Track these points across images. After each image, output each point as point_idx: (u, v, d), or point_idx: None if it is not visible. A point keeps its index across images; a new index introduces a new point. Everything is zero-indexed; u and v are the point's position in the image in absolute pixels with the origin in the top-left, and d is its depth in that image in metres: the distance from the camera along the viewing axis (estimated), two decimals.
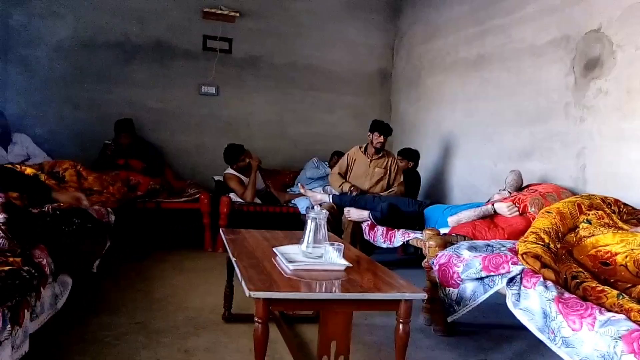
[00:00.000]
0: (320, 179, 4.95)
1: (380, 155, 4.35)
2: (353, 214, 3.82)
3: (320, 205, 3.86)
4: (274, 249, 2.18)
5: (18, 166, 3.19)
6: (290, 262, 2.00)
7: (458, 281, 2.48)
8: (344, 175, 4.40)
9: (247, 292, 1.68)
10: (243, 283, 1.75)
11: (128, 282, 3.32)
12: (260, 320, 1.69)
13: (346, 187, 4.24)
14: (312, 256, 2.09)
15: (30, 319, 1.84)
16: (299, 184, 4.52)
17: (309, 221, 2.16)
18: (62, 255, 2.30)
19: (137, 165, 4.53)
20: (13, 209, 2.13)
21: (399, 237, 3.40)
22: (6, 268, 1.64)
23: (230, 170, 4.60)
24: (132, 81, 4.96)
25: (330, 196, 4.10)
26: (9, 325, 1.57)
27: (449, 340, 2.65)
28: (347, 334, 1.88)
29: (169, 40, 5.06)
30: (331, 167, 5.16)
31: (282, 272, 1.94)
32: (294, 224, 4.33)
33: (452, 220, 3.32)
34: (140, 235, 4.07)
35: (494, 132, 4.12)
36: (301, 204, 4.45)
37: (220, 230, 2.79)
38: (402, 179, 4.40)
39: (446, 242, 2.84)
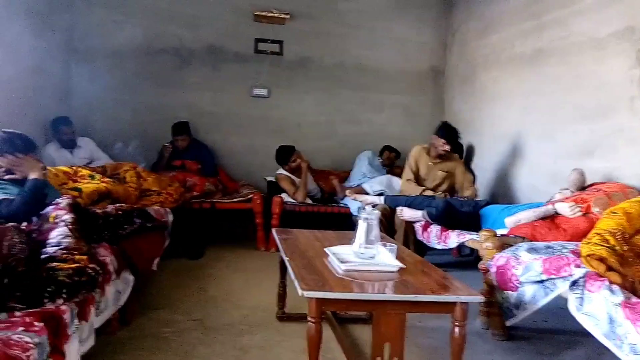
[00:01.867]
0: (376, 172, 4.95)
1: (443, 158, 4.24)
2: (406, 213, 3.76)
3: (373, 206, 3.84)
4: (325, 249, 2.18)
5: (81, 169, 3.34)
6: (343, 262, 2.00)
7: (517, 284, 2.40)
8: (416, 180, 4.22)
9: (299, 292, 1.69)
10: (296, 282, 1.76)
11: (185, 280, 3.42)
12: (313, 320, 1.70)
13: (429, 194, 4.04)
14: (364, 257, 2.08)
15: (95, 314, 1.93)
16: (348, 191, 4.47)
17: (360, 221, 2.15)
18: (124, 253, 2.41)
19: (193, 166, 4.67)
20: (79, 210, 2.24)
21: (454, 238, 3.32)
22: (73, 266, 1.73)
23: (281, 171, 4.66)
24: (186, 85, 5.12)
25: (383, 197, 4.05)
26: (76, 320, 1.66)
27: (508, 345, 2.56)
28: (401, 336, 1.86)
29: (221, 44, 5.18)
30: (383, 162, 5.10)
31: (334, 272, 1.94)
32: (345, 225, 4.33)
33: (510, 220, 3.21)
34: (196, 235, 4.18)
35: (553, 129, 3.95)
36: (353, 205, 4.44)
37: (273, 230, 2.82)
38: (472, 178, 4.30)
39: (504, 243, 2.75)
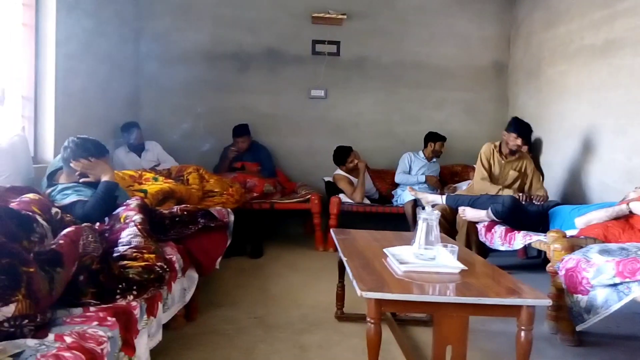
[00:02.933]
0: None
1: (516, 156, 4.06)
2: (469, 213, 3.64)
3: (432, 206, 3.76)
4: (384, 250, 2.17)
5: (145, 172, 3.49)
6: (402, 263, 1.98)
7: (588, 287, 2.27)
8: (489, 179, 4.02)
9: (358, 292, 1.69)
10: (354, 283, 1.76)
11: (246, 278, 3.50)
12: (372, 321, 1.69)
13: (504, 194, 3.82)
14: (424, 258, 2.04)
15: (163, 311, 2.02)
16: (409, 187, 4.40)
17: (420, 222, 2.11)
18: (189, 252, 2.50)
19: (253, 168, 4.78)
20: (147, 210, 2.35)
21: (520, 240, 3.20)
22: (142, 264, 1.81)
23: (339, 171, 4.67)
24: (246, 88, 5.24)
25: (444, 197, 3.95)
26: (145, 316, 1.74)
27: (578, 351, 2.43)
28: (463, 339, 1.81)
29: (279, 47, 5.26)
30: (427, 155, 4.91)
31: (393, 274, 1.92)
32: (402, 225, 4.29)
33: (580, 221, 3.05)
34: (256, 235, 4.28)
35: (627, 123, 3.71)
36: (404, 195, 4.41)
37: (331, 231, 2.84)
38: (541, 179, 4.12)
39: (573, 245, 2.62)
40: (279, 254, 4.23)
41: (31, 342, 1.27)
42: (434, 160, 4.94)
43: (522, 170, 4.05)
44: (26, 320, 1.31)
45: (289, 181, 5.05)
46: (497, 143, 4.12)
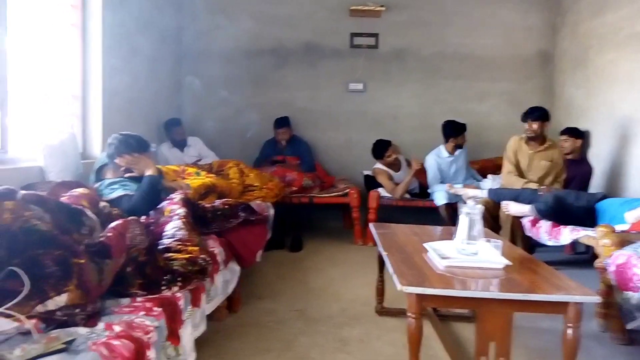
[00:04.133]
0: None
1: (545, 146, 3.94)
2: (512, 208, 3.54)
3: (474, 200, 3.68)
4: (424, 245, 2.14)
5: (187, 167, 3.56)
6: (443, 258, 1.95)
7: (639, 284, 2.17)
8: (518, 172, 3.94)
9: (399, 287, 1.68)
10: (394, 277, 1.75)
11: (287, 271, 3.54)
12: (413, 316, 1.68)
13: (533, 187, 3.73)
14: (466, 253, 2.00)
15: (206, 302, 2.07)
16: (447, 185, 4.28)
17: (462, 216, 2.07)
18: (230, 245, 2.55)
19: (293, 161, 4.81)
20: (190, 204, 2.41)
21: (567, 235, 3.09)
22: (186, 256, 1.86)
23: (379, 165, 4.63)
24: (284, 83, 5.27)
25: (486, 191, 3.86)
26: (189, 306, 1.78)
27: (628, 350, 2.34)
28: (507, 336, 1.77)
29: (317, 41, 5.26)
30: (449, 150, 4.71)
31: (434, 268, 1.90)
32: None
33: (630, 215, 2.92)
34: (295, 228, 4.31)
35: None
36: (438, 196, 4.31)
37: (370, 225, 2.82)
38: (564, 175, 3.97)
39: (624, 240, 2.50)
40: (318, 248, 4.25)
41: (83, 330, 1.32)
42: (458, 151, 4.60)
43: (553, 159, 3.92)
44: (78, 310, 1.37)
45: (328, 175, 5.06)
46: (524, 135, 3.99)
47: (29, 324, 1.23)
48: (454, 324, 2.60)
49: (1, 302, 1.24)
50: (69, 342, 1.22)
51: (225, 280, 2.43)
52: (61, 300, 1.34)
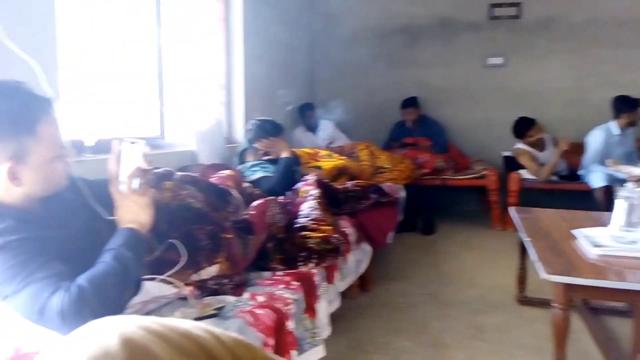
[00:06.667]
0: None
1: None
2: None
3: (637, 181, 3.26)
4: (573, 231, 1.96)
5: (320, 150, 3.65)
6: (596, 246, 1.77)
7: None
8: None
9: (543, 275, 1.56)
10: (539, 265, 1.63)
11: (418, 255, 3.49)
12: (559, 306, 1.55)
13: None
14: (624, 241, 1.79)
15: (340, 279, 2.13)
16: (608, 160, 3.81)
17: (619, 200, 1.85)
18: (362, 226, 2.59)
19: (424, 143, 4.70)
20: (324, 185, 2.48)
21: None
22: (321, 235, 1.93)
23: (520, 145, 4.30)
24: (417, 62, 5.14)
25: None
26: (324, 283, 1.85)
27: None
28: None
29: (452, 15, 5.03)
30: (621, 126, 4.08)
31: (584, 257, 1.73)
32: (592, 204, 3.79)
33: None
34: (428, 211, 4.22)
35: None
36: (594, 178, 3.85)
37: (510, 209, 2.66)
38: None
39: None
40: (452, 232, 4.13)
41: (231, 298, 1.45)
42: (630, 130, 4.02)
43: None
44: (226, 280, 1.50)
45: (463, 156, 4.84)
46: None
47: (187, 290, 1.38)
48: (608, 319, 2.35)
49: (163, 270, 1.40)
50: (220, 309, 1.34)
51: (357, 259, 2.47)
52: (212, 270, 1.47)
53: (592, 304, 2.41)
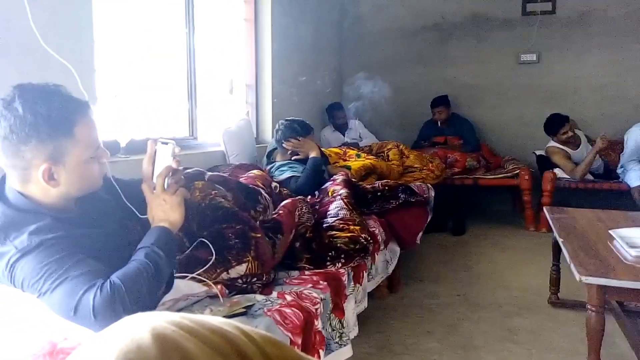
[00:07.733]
0: None
1: None
2: None
3: None
4: (610, 232, 1.90)
5: (349, 149, 3.64)
6: (633, 247, 1.71)
7: None
8: None
9: (577, 277, 1.52)
10: (572, 266, 1.59)
11: (449, 255, 3.45)
12: (594, 309, 1.51)
13: None
14: None
15: (367, 280, 2.12)
16: None
17: None
18: (390, 226, 2.57)
19: (455, 142, 4.63)
20: (352, 185, 2.48)
21: None
22: (348, 235, 1.93)
23: (553, 143, 4.19)
24: (448, 60, 5.07)
25: None
26: (352, 283, 1.85)
27: None
28: None
29: (484, 12, 4.94)
30: None
31: (621, 258, 1.68)
32: (634, 205, 3.67)
33: None
34: (458, 211, 4.16)
35: None
36: (632, 177, 3.70)
37: (544, 209, 2.60)
38: None
39: None
40: (483, 232, 4.06)
41: (259, 297, 1.46)
42: None
43: None
44: (255, 279, 1.52)
45: (495, 155, 4.75)
46: None
47: (216, 288, 1.40)
48: None
49: (193, 268, 1.43)
50: (248, 307, 1.36)
51: (385, 260, 2.46)
52: (241, 269, 1.49)
53: (628, 307, 2.33)
